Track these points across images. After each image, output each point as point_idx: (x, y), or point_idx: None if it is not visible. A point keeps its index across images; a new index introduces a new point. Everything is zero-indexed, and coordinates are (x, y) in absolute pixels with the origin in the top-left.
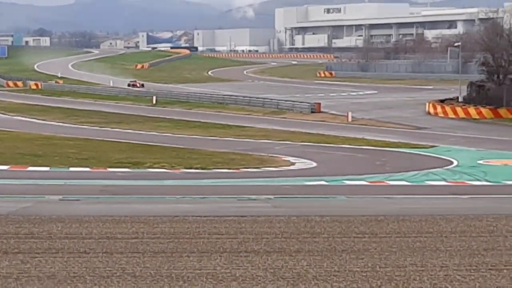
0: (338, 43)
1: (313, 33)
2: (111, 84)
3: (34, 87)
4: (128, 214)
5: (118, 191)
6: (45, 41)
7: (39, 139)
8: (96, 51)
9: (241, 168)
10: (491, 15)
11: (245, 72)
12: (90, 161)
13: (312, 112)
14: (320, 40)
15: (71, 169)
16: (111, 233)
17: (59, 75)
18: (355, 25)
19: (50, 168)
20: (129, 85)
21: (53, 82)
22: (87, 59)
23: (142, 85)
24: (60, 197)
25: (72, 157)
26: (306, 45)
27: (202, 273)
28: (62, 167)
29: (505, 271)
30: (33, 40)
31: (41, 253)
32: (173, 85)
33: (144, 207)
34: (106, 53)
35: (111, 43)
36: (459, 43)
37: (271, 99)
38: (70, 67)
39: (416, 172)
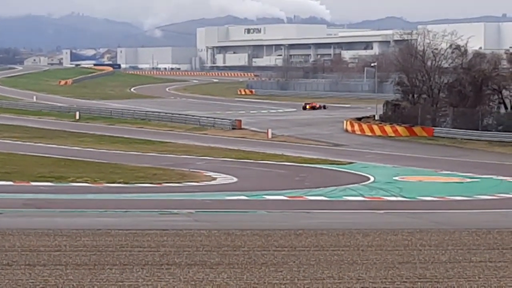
0: (258, 62)
1: (234, 52)
2: (35, 100)
3: None
4: (50, 227)
5: (41, 204)
6: None
7: None
8: (19, 68)
9: (163, 183)
10: (405, 37)
11: (167, 89)
12: (12, 175)
13: (233, 128)
14: (240, 59)
15: None
16: (34, 246)
17: None
18: (275, 45)
19: None
20: (304, 108)
21: None
22: (11, 75)
23: (324, 107)
24: None
25: None
26: (227, 64)
27: (124, 285)
28: None
29: (419, 283)
30: None
31: None
32: (96, 101)
33: (66, 220)
34: (30, 70)
35: (34, 60)
36: (375, 64)
37: (193, 116)
38: None
39: (334, 187)
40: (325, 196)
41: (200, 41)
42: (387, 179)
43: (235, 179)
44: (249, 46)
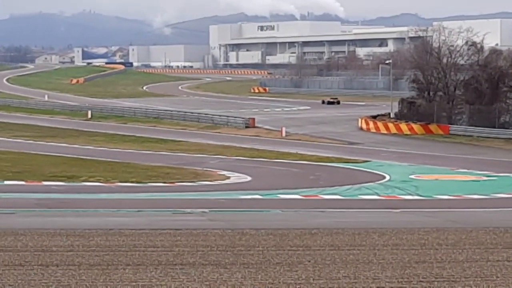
0: (272, 59)
1: (247, 50)
2: (46, 99)
3: None
4: (63, 227)
5: (53, 204)
6: None
7: None
8: (31, 66)
9: (176, 182)
10: (420, 33)
11: (180, 87)
12: (24, 174)
13: (247, 127)
14: (254, 56)
15: (6, 182)
16: (47, 246)
17: None
18: (288, 42)
19: None
20: (330, 102)
21: None
22: (22, 73)
23: (338, 102)
24: None
25: (7, 170)
26: (240, 62)
27: (138, 286)
28: None
29: (435, 283)
30: None
31: None
32: (108, 99)
33: (79, 220)
34: (41, 68)
35: (46, 58)
36: (390, 61)
37: (206, 114)
38: (5, 82)
39: (349, 186)
40: (340, 195)
41: (213, 38)
42: (402, 177)
43: (249, 178)
44: (262, 43)
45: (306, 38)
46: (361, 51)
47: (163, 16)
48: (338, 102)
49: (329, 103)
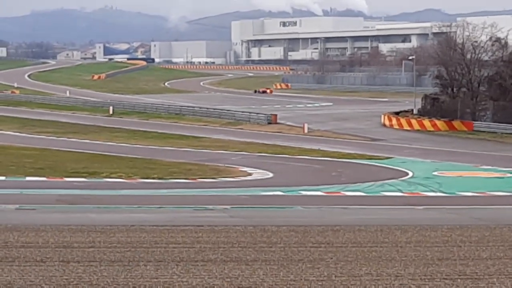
0: (294, 55)
1: (269, 46)
2: (68, 95)
3: None
4: (84, 224)
5: (75, 200)
6: (2, 51)
7: None
8: (53, 62)
9: (197, 178)
10: (444, 29)
11: (201, 83)
12: (46, 170)
13: (269, 123)
14: (276, 52)
15: (28, 178)
16: (68, 242)
17: (15, 85)
18: (311, 38)
19: (6, 178)
20: (264, 91)
21: (9, 92)
22: (44, 69)
23: (271, 91)
24: (17, 206)
25: (28, 166)
26: (262, 57)
27: (159, 282)
28: (18, 177)
29: (459, 280)
30: None
31: None
32: (129, 95)
33: (100, 216)
34: (63, 64)
35: (67, 54)
36: (413, 57)
37: (228, 110)
38: (27, 77)
39: (371, 183)
40: (363, 192)
41: (234, 34)
42: (426, 174)
43: (271, 175)
44: (284, 39)
45: (328, 34)
46: (384, 47)
47: (184, 12)
48: (271, 92)
49: (263, 92)
